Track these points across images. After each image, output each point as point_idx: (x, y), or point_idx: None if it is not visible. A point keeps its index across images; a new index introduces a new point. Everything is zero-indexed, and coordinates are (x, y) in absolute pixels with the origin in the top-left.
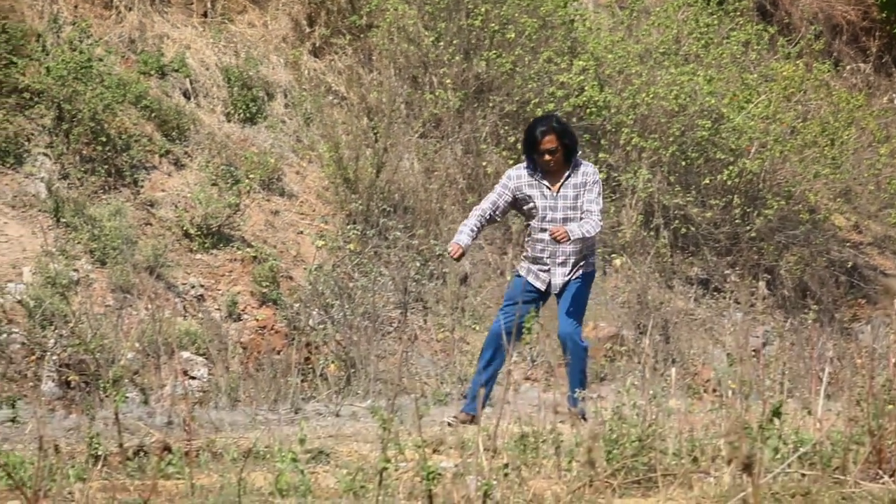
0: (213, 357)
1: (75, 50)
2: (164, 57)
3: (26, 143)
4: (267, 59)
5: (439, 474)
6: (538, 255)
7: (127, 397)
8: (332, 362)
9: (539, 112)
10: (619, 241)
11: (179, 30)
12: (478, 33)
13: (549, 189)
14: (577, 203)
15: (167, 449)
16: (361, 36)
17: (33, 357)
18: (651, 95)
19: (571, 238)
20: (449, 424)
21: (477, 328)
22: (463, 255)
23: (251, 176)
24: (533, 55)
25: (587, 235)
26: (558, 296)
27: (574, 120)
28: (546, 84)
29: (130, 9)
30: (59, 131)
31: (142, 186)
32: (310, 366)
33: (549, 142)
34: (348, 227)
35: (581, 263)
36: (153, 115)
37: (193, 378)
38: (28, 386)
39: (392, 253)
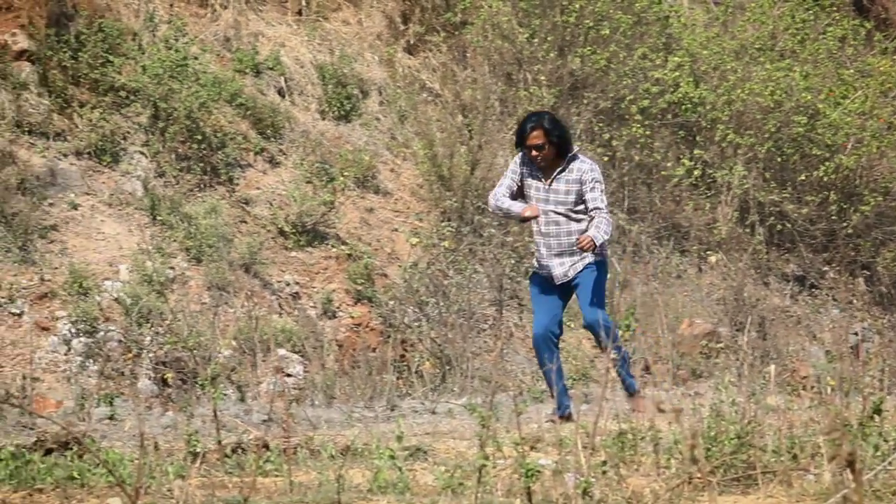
0: (308, 354)
1: (171, 48)
2: (258, 55)
3: (122, 142)
4: (361, 56)
5: (538, 471)
6: (537, 247)
7: (224, 395)
8: (427, 360)
9: (634, 109)
10: (715, 237)
11: (274, 28)
12: (572, 30)
13: (542, 181)
14: (569, 199)
15: (265, 446)
16: (456, 33)
17: (130, 355)
18: (746, 91)
19: (597, 245)
20: (552, 422)
21: (572, 325)
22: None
23: (346, 173)
24: (627, 51)
25: (606, 237)
26: (573, 288)
27: (669, 116)
28: (641, 80)
29: (225, 7)
30: (154, 129)
31: (237, 184)
32: (405, 363)
33: (536, 137)
34: (443, 224)
35: (581, 256)
36: (248, 113)
37: (289, 375)
38: (125, 383)
39: (487, 250)
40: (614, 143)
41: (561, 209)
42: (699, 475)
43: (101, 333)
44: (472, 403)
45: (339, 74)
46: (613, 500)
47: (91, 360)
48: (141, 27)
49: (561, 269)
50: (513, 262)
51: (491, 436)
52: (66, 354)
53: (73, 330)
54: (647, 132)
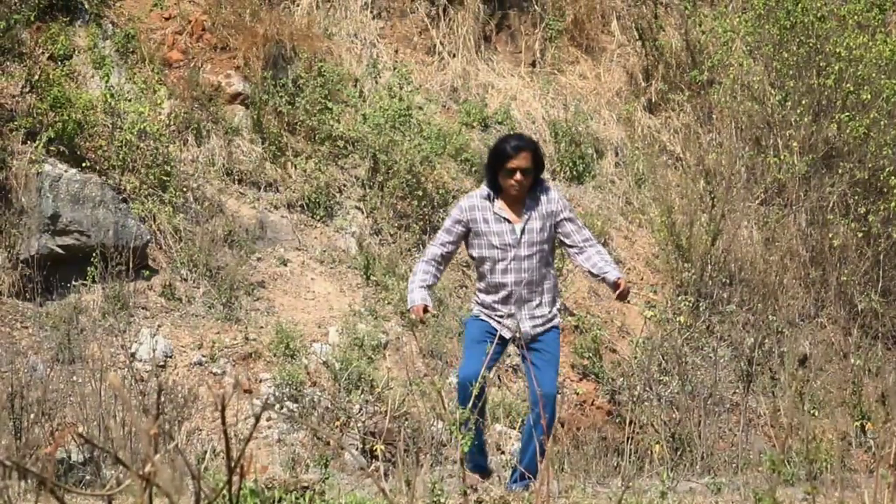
0: None
1: (394, 97)
2: (487, 107)
3: (338, 195)
4: (598, 113)
5: None
6: (500, 300)
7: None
8: (657, 442)
9: (893, 181)
10: None
11: (505, 79)
12: (829, 93)
13: (511, 223)
14: (543, 237)
15: None
16: (701, 92)
17: (338, 422)
18: None
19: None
20: (474, 489)
21: (816, 414)
22: (427, 311)
23: None
24: (889, 119)
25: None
26: (531, 348)
27: None
28: None
29: (454, 55)
30: (373, 183)
31: None
32: (632, 445)
33: (524, 159)
34: (679, 297)
35: (550, 310)
36: (473, 169)
37: (502, 453)
38: (329, 453)
39: (727, 328)
40: (870, 217)
41: (535, 250)
42: None
43: (308, 398)
44: (718, 481)
45: (573, 132)
46: None
47: (295, 426)
48: (363, 73)
49: (531, 323)
50: (752, 340)
51: None
52: (268, 420)
53: (278, 393)
54: None
